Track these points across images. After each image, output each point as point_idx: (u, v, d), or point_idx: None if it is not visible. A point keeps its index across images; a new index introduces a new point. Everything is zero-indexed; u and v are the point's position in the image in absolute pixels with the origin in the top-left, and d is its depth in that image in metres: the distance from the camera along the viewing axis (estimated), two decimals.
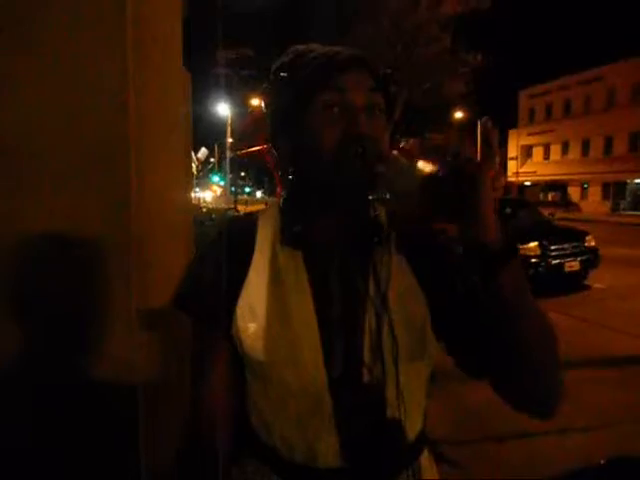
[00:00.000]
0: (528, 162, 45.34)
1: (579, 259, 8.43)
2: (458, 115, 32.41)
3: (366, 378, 0.82)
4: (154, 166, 1.61)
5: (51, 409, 1.49)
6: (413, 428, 0.88)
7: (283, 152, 0.89)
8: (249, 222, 0.93)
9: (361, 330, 0.84)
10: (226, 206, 24.98)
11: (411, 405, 0.85)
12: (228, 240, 0.91)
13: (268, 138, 0.92)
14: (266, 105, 0.89)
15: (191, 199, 2.40)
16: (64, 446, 1.50)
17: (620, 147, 36.71)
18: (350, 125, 0.79)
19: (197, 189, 46.56)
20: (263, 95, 0.88)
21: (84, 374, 1.51)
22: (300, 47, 0.87)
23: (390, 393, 0.82)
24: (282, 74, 0.85)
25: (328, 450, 0.82)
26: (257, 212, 0.97)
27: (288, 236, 0.86)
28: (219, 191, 45.15)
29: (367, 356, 0.83)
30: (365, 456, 0.82)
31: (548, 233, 8.77)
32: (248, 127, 26.30)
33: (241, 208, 23.57)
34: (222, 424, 0.90)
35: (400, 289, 0.86)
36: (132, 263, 1.53)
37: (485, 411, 3.25)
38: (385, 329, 0.83)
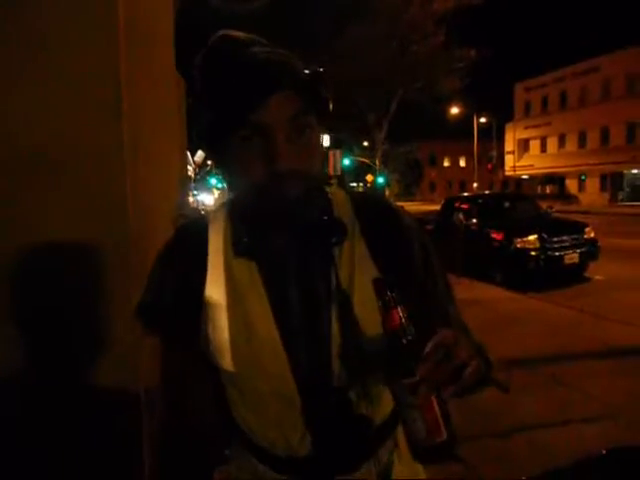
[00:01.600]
0: (525, 156, 45.36)
1: (579, 251, 8.43)
2: (454, 111, 32.45)
3: (333, 381, 0.85)
4: (149, 167, 1.61)
5: (54, 409, 1.49)
6: (381, 416, 0.91)
7: (218, 166, 0.85)
8: (199, 228, 0.91)
9: (326, 333, 0.84)
10: None
11: (378, 396, 0.88)
12: (181, 250, 0.91)
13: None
14: (189, 115, 0.84)
15: (189, 203, 2.41)
16: (67, 445, 1.50)
17: (617, 138, 36.73)
18: (271, 161, 0.75)
19: (196, 192, 46.54)
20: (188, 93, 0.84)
21: (85, 374, 1.51)
22: (222, 40, 0.78)
23: (356, 391, 0.86)
24: (197, 96, 0.80)
25: (304, 443, 0.86)
26: (207, 215, 0.95)
27: (240, 247, 0.85)
28: (217, 194, 45.17)
29: (333, 358, 0.84)
30: (335, 446, 0.87)
31: (547, 226, 8.78)
32: None
33: None
34: (197, 431, 0.94)
35: (363, 284, 0.84)
36: (131, 264, 1.53)
37: (489, 407, 3.25)
38: (349, 329, 0.83)
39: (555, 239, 8.33)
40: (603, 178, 38.56)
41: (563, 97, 41.93)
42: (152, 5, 1.59)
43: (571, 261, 8.37)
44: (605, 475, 0.92)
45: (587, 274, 8.77)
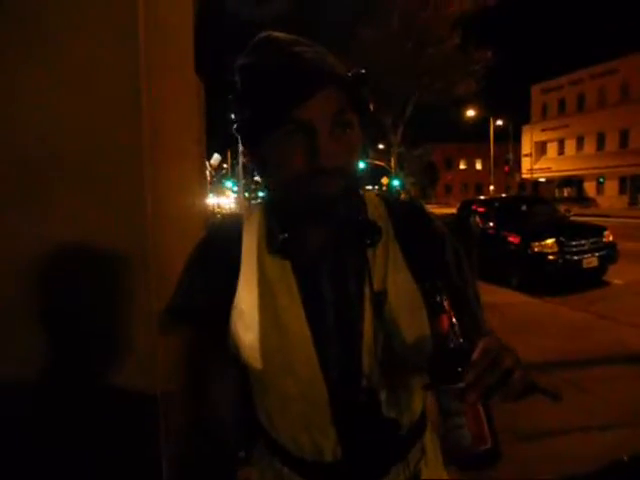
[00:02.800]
0: (542, 158, 44.85)
1: (597, 255, 8.31)
2: (470, 113, 32.22)
3: (363, 382, 0.84)
4: (168, 173, 1.63)
5: (70, 411, 1.51)
6: (408, 422, 0.90)
7: (255, 161, 0.86)
8: (234, 226, 0.92)
9: (358, 334, 0.84)
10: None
11: (406, 401, 0.89)
12: (214, 248, 0.92)
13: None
14: (232, 113, 0.85)
15: (206, 205, 2.43)
16: (83, 447, 1.51)
17: (636, 140, 36.15)
18: (313, 156, 0.76)
19: (211, 195, 46.88)
20: (227, 95, 0.84)
21: (102, 377, 1.53)
22: (265, 41, 0.80)
23: (386, 395, 0.85)
24: (239, 94, 0.82)
25: (332, 446, 0.85)
26: (242, 213, 0.97)
27: (275, 245, 0.85)
28: (232, 197, 45.41)
29: (365, 359, 0.84)
30: (364, 450, 0.86)
31: (565, 229, 8.67)
32: None
33: None
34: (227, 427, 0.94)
35: (396, 286, 0.86)
36: (151, 269, 1.54)
37: (508, 411, 3.22)
38: (381, 332, 0.83)
39: (573, 243, 8.22)
40: (622, 181, 37.97)
41: (581, 99, 41.42)
42: (172, 3, 1.60)
43: (590, 265, 8.25)
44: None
45: (606, 278, 8.64)
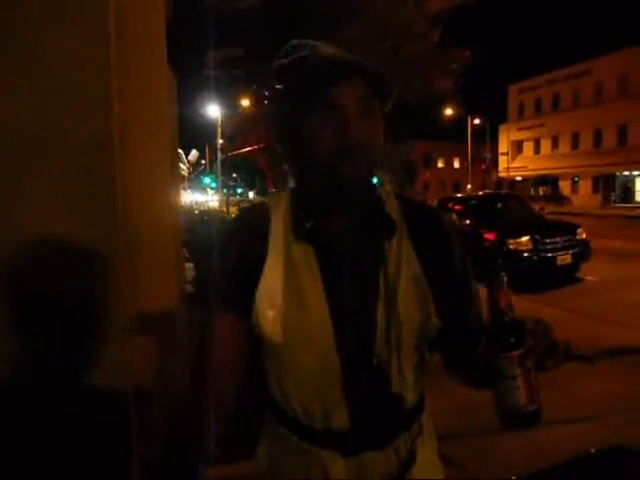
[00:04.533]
0: (519, 157, 45.55)
1: (571, 252, 8.48)
2: (448, 112, 32.51)
3: (374, 360, 0.93)
4: (139, 168, 1.60)
5: (45, 409, 1.48)
6: (411, 400, 1.00)
7: (286, 151, 0.97)
8: (262, 213, 1.00)
9: (372, 318, 0.93)
10: (219, 208, 24.93)
11: (410, 381, 0.98)
12: (244, 231, 1.01)
13: (268, 138, 0.98)
14: (268, 108, 0.96)
15: (180, 202, 2.41)
16: (56, 451, 1.49)
17: (609, 140, 36.96)
18: (343, 137, 0.87)
19: (189, 191, 46.49)
20: (266, 97, 0.96)
21: (77, 379, 1.50)
22: (298, 45, 0.93)
23: (393, 372, 0.95)
24: (277, 86, 0.94)
25: (341, 416, 0.94)
26: (268, 200, 1.05)
27: (301, 232, 0.94)
28: (210, 193, 45.11)
29: (377, 340, 0.93)
30: (370, 421, 0.95)
31: (540, 227, 8.83)
32: (239, 128, 26.25)
33: (234, 211, 23.50)
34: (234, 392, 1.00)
35: (407, 278, 0.95)
36: (122, 267, 1.52)
37: (475, 406, 3.26)
38: (393, 316, 0.93)
39: (548, 240, 8.37)
40: (596, 180, 38.79)
41: (556, 99, 42.15)
42: (143, 1, 1.58)
43: (563, 262, 8.41)
44: (595, 474, 0.93)
45: (579, 275, 8.81)
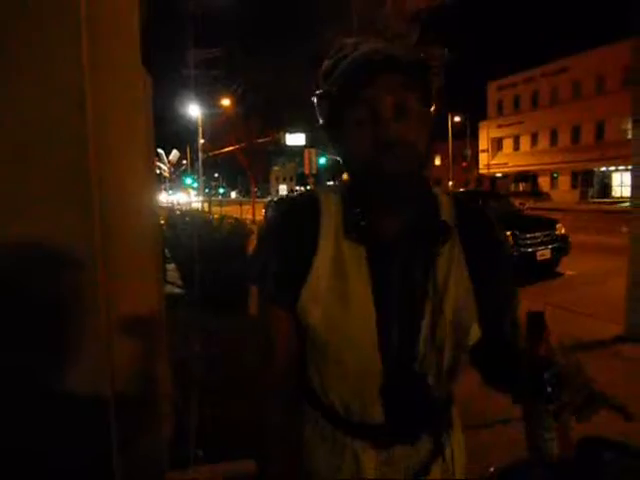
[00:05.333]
0: (499, 154, 46.00)
1: (550, 247, 8.59)
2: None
3: (416, 366, 0.94)
4: (116, 169, 1.58)
5: (24, 412, 1.46)
6: (444, 398, 1.03)
7: (337, 149, 0.95)
8: (311, 204, 0.97)
9: (417, 323, 0.93)
10: (200, 208, 24.74)
11: (447, 384, 1.00)
12: (293, 222, 0.97)
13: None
14: (319, 110, 0.94)
15: (157, 203, 2.39)
16: (38, 455, 1.47)
17: (587, 136, 37.51)
18: (378, 134, 0.85)
19: (170, 191, 46.09)
20: (317, 100, 0.93)
21: (57, 385, 1.48)
22: (343, 44, 0.90)
23: (432, 376, 0.96)
24: (318, 91, 0.92)
25: (377, 413, 0.96)
26: (316, 192, 1.01)
27: (354, 231, 0.92)
28: (192, 193, 44.76)
29: (420, 347, 0.93)
30: (405, 418, 0.98)
31: (519, 222, 8.91)
32: (219, 128, 26.12)
33: (216, 210, 23.35)
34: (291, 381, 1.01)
35: (455, 284, 0.94)
36: (100, 268, 1.50)
37: (466, 401, 3.29)
38: (438, 322, 0.93)
39: (527, 235, 8.47)
40: (574, 176, 39.34)
41: (535, 96, 42.64)
42: (117, 2, 1.57)
43: (543, 257, 8.51)
44: (572, 465, 0.94)
45: (559, 269, 8.94)
